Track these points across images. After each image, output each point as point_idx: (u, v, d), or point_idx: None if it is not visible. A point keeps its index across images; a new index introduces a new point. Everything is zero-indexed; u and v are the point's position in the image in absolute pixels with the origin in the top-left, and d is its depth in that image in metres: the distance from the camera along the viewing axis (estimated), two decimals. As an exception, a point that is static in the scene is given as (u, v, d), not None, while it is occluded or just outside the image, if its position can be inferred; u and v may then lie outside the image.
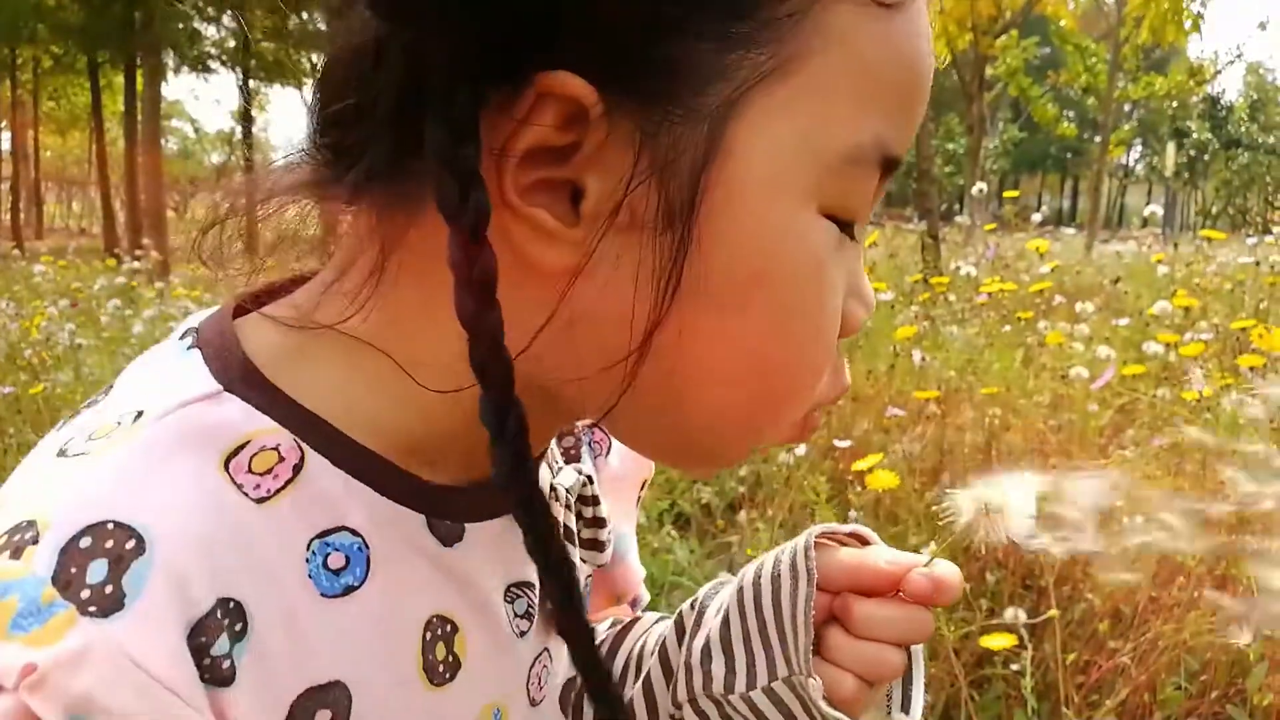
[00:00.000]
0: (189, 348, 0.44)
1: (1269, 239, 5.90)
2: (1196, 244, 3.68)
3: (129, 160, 19.13)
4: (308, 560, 0.40)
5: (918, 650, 0.57)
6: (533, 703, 0.52)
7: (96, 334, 5.10)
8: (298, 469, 0.41)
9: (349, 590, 0.41)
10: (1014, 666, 1.83)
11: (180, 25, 18.72)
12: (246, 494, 0.39)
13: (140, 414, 0.40)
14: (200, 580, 0.36)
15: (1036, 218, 4.76)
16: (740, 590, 0.57)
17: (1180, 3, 12.22)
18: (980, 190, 4.31)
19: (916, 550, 0.64)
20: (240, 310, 0.46)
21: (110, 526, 0.36)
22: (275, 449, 0.41)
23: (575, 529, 0.56)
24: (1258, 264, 3.57)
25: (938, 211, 6.48)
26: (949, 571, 0.53)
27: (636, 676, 0.62)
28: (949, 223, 6.89)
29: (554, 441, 0.59)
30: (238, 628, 0.38)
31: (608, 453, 0.64)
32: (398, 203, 0.42)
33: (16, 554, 0.35)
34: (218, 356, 0.43)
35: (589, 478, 0.57)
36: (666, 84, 0.38)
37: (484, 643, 0.48)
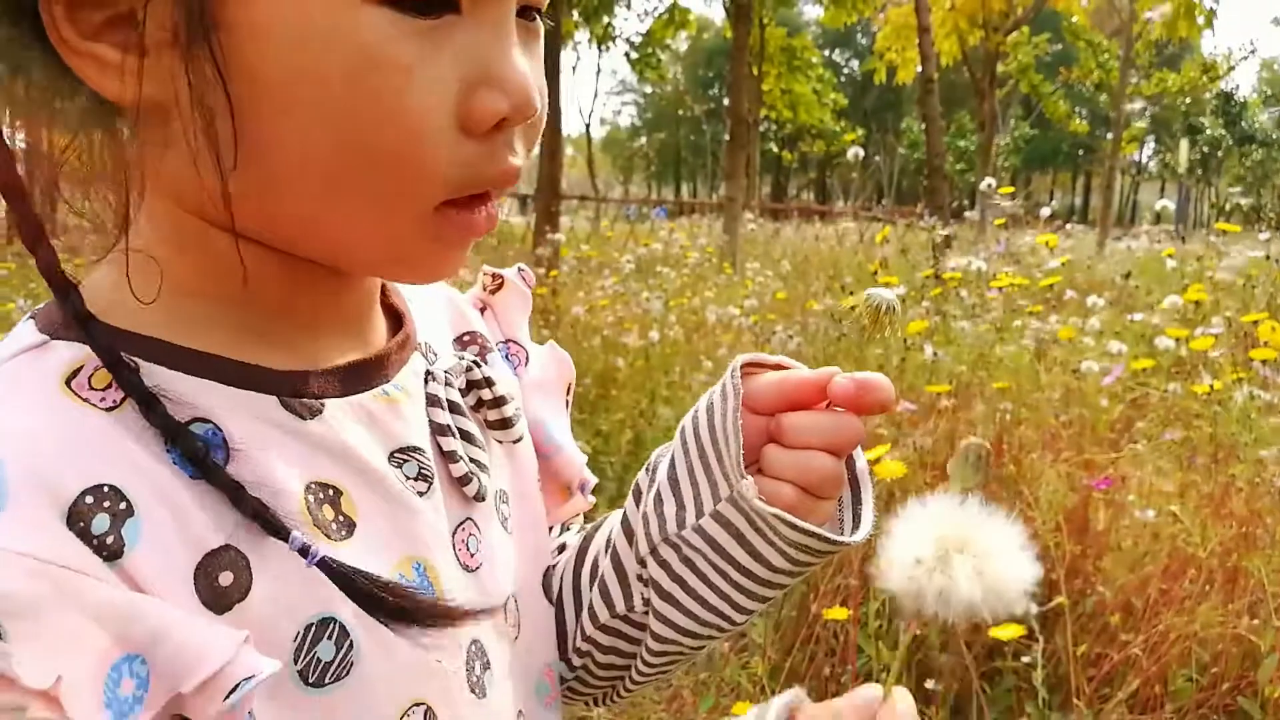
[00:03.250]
0: (26, 319, 0.46)
1: (1282, 235, 5.87)
2: (1209, 239, 3.68)
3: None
4: (168, 451, 0.42)
5: (863, 471, 0.59)
6: (466, 569, 0.54)
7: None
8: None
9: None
10: (1025, 659, 1.84)
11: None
12: (95, 405, 0.42)
13: None
14: (61, 477, 0.39)
15: (1045, 212, 4.73)
16: (681, 430, 0.59)
17: (1193, -2, 12.16)
18: (989, 186, 4.29)
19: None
20: None
21: None
22: (130, 369, 0.43)
23: (462, 403, 0.58)
24: (1268, 258, 3.56)
25: (949, 208, 6.48)
26: (874, 376, 0.54)
27: (606, 553, 0.64)
28: (960, 219, 6.90)
29: (450, 346, 0.62)
30: (121, 506, 0.40)
31: (526, 362, 0.67)
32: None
33: None
34: (45, 314, 0.45)
35: (475, 361, 0.60)
36: None
37: (375, 502, 0.49)
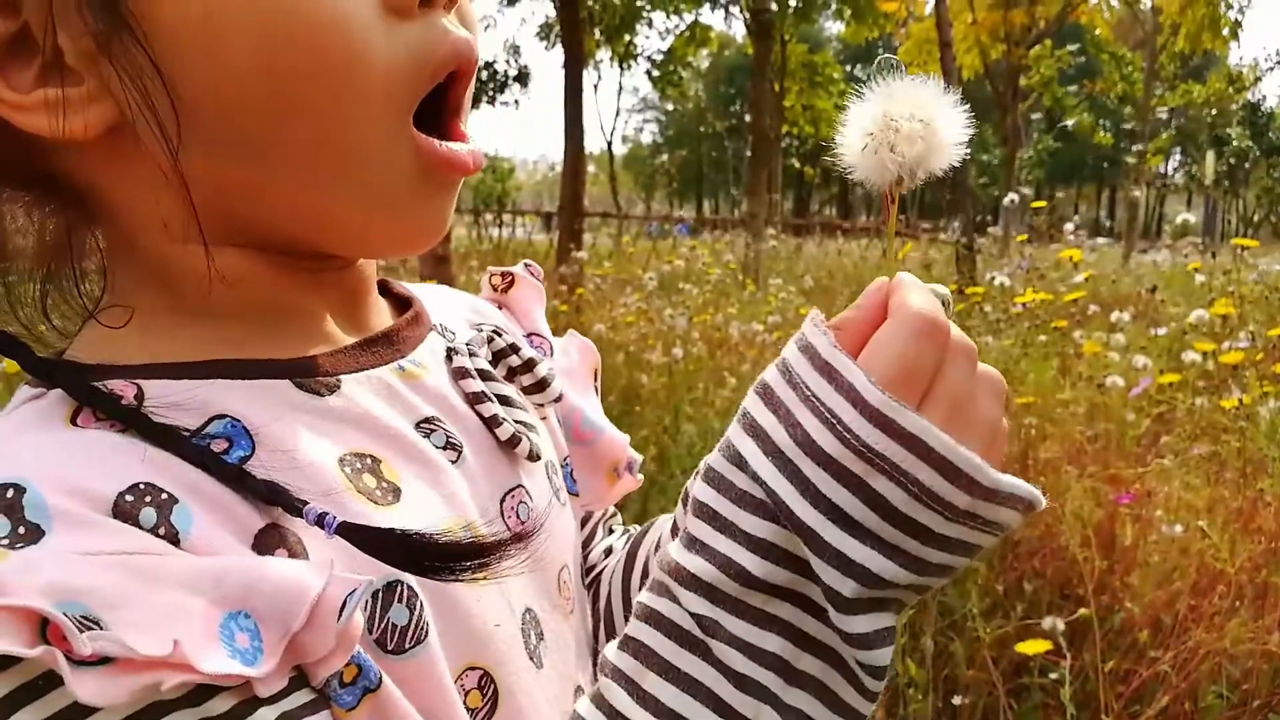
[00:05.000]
0: (23, 385, 0.46)
1: (1311, 247, 5.80)
2: (1236, 253, 3.66)
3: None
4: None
5: None
6: (516, 537, 0.54)
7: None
8: (139, 398, 0.43)
9: (244, 461, 0.43)
10: (1053, 675, 1.83)
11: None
12: (105, 430, 0.42)
13: None
14: (93, 483, 0.38)
15: (1069, 227, 4.71)
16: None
17: (1217, 10, 12.11)
18: (1012, 201, 4.27)
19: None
20: None
21: None
22: (110, 391, 0.43)
23: (492, 370, 0.58)
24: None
25: (973, 222, 6.47)
26: None
27: (657, 560, 0.64)
28: (983, 234, 6.89)
29: (466, 326, 0.62)
30: (163, 497, 0.39)
31: (551, 353, 0.67)
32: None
33: None
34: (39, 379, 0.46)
35: (495, 331, 0.60)
36: None
37: (413, 468, 0.49)
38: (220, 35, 0.42)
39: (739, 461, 0.43)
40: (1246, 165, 44.49)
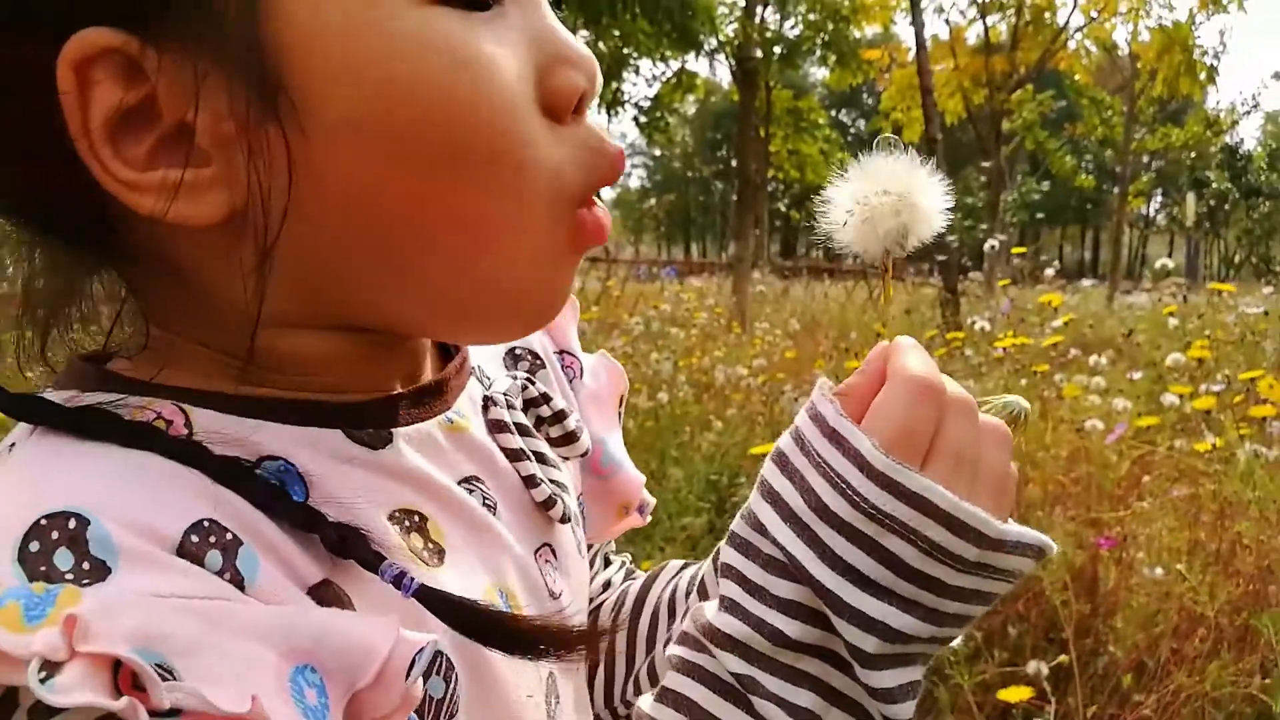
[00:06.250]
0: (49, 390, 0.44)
1: (1289, 289, 5.87)
2: (1211, 298, 3.70)
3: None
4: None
5: None
6: (552, 595, 0.53)
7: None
8: (189, 427, 0.40)
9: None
10: (1037, 720, 1.83)
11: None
12: (156, 453, 0.39)
13: (12, 446, 0.40)
14: (157, 520, 0.36)
15: (1049, 273, 4.75)
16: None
17: (1193, 56, 12.33)
18: (992, 246, 4.32)
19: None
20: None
21: (44, 522, 0.34)
22: (158, 415, 0.40)
23: (530, 425, 0.56)
24: (1267, 314, 3.58)
25: (956, 266, 6.53)
26: None
27: (671, 619, 0.64)
28: (966, 277, 6.95)
29: (501, 366, 0.60)
30: (228, 538, 0.37)
31: (581, 374, 0.66)
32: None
33: None
34: (71, 381, 0.43)
35: (528, 379, 0.58)
36: None
37: (457, 528, 0.48)
38: (395, 132, 0.39)
39: (760, 528, 0.45)
40: (1226, 207, 45.00)
